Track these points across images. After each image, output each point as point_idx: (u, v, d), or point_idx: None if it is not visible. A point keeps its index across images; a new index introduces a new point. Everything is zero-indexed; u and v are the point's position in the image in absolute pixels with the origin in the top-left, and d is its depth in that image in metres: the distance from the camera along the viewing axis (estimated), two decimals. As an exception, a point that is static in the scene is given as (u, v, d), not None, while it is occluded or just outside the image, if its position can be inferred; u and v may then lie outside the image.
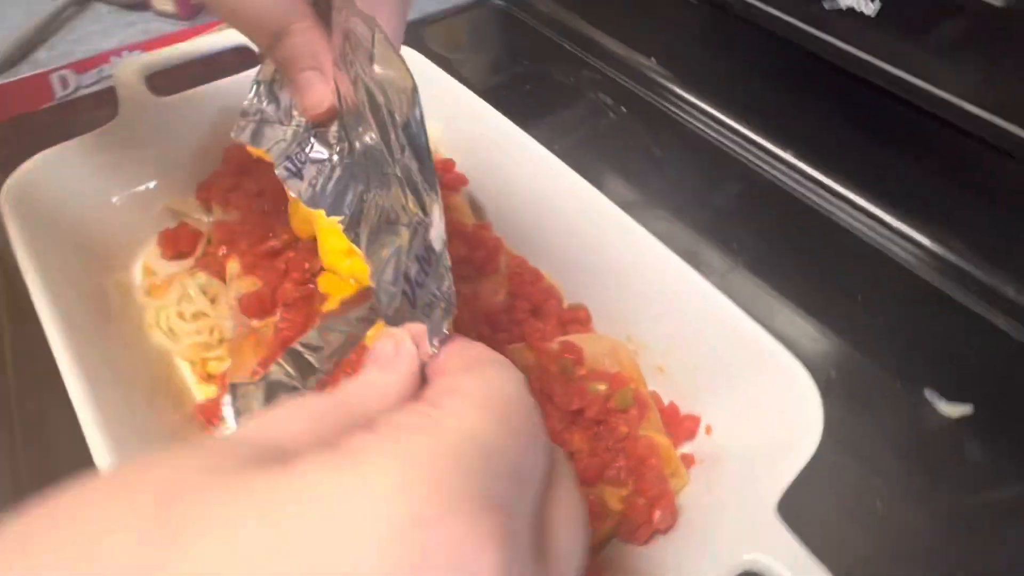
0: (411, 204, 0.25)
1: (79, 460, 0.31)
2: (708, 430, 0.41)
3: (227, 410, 0.30)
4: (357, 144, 0.30)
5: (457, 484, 0.14)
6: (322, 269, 0.41)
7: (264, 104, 0.36)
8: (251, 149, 0.36)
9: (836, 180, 0.60)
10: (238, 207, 0.46)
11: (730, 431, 0.40)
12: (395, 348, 0.23)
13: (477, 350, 0.22)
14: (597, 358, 0.40)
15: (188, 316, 0.46)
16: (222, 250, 0.44)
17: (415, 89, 0.22)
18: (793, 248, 0.56)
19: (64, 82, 0.64)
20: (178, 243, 0.49)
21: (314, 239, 0.43)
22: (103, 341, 0.43)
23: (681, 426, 0.42)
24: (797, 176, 0.61)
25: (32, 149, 0.45)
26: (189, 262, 0.49)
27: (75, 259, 0.46)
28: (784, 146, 0.62)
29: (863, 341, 0.51)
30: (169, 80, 0.52)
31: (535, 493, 0.18)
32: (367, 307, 0.34)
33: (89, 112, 0.61)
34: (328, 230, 0.34)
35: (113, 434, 0.33)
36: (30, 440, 0.43)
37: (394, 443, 0.15)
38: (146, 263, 0.50)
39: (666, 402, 0.43)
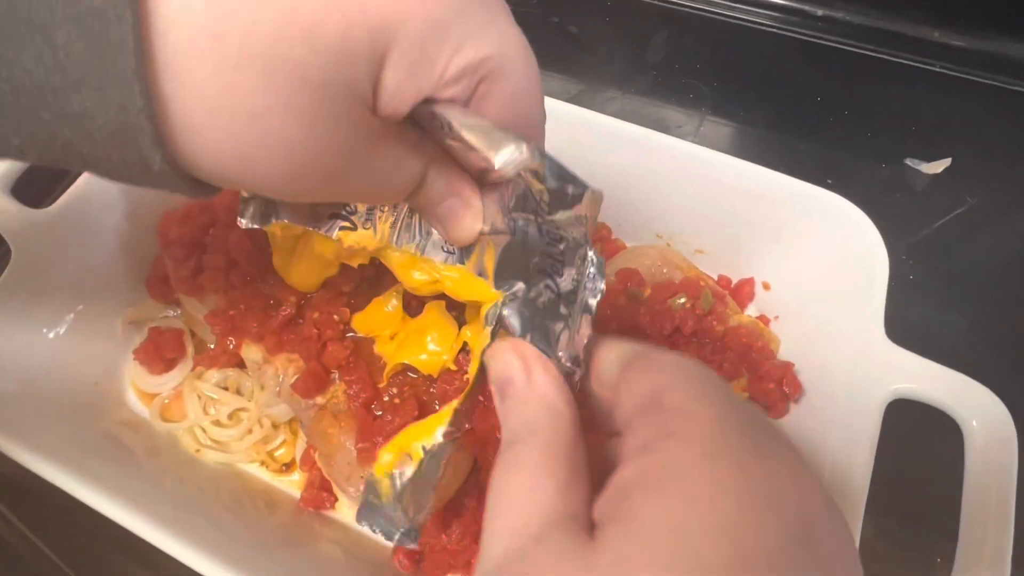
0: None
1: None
2: (766, 286, 0.43)
3: (375, 519, 0.28)
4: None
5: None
6: (352, 313, 0.38)
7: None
8: None
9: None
10: (215, 289, 0.40)
11: (788, 281, 0.42)
12: (522, 370, 0.22)
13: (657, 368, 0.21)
14: (652, 272, 0.40)
15: (225, 420, 0.42)
16: (230, 341, 0.39)
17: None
18: (741, 73, 0.56)
19: None
20: (162, 352, 0.43)
21: (322, 285, 0.39)
22: (149, 484, 0.39)
23: (741, 292, 0.43)
24: (714, -2, 0.59)
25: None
26: (185, 365, 0.44)
27: (58, 417, 0.40)
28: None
29: (838, 137, 0.54)
30: (35, 183, 0.42)
31: None
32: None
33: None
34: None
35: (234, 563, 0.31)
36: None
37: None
38: (137, 388, 0.44)
39: (716, 277, 0.44)
